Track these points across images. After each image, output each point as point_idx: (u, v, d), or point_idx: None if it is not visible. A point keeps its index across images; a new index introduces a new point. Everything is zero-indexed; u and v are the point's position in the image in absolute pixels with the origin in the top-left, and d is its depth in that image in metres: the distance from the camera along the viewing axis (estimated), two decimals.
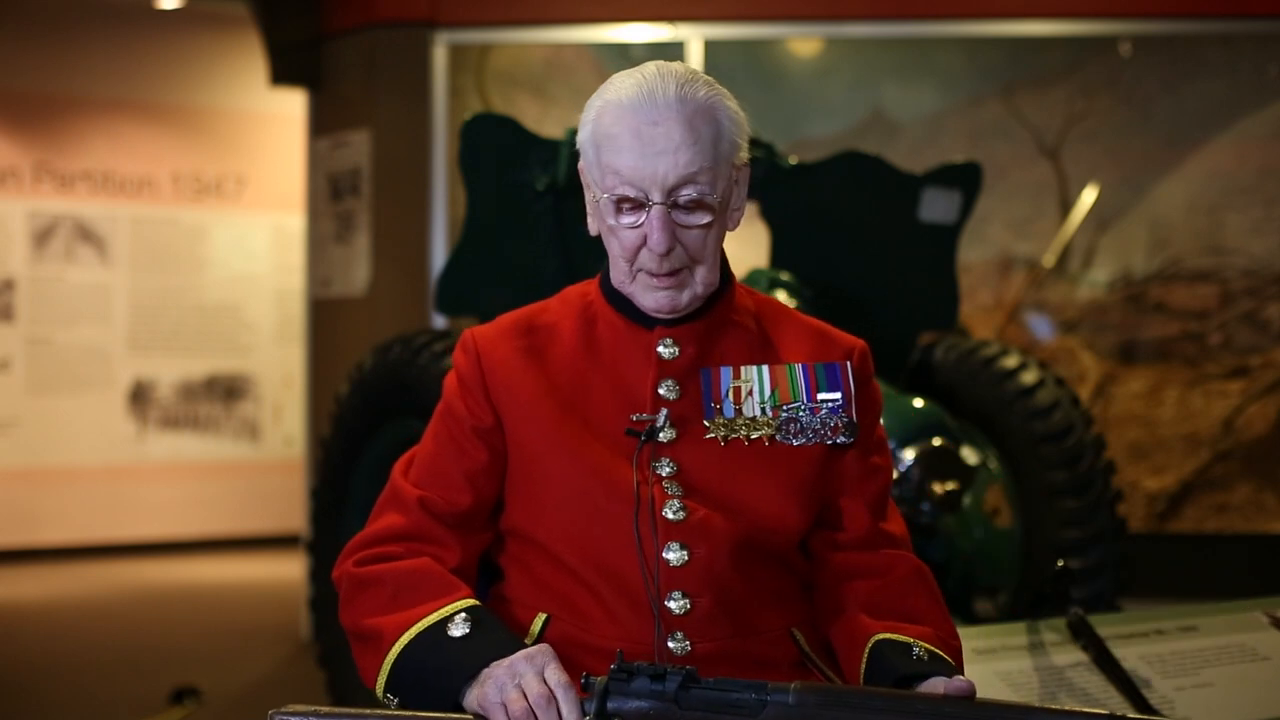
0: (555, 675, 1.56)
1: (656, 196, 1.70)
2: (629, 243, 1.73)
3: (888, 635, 1.70)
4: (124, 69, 8.58)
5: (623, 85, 1.74)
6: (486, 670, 1.58)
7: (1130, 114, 6.09)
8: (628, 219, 1.72)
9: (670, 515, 1.72)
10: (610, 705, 1.48)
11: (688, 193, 1.70)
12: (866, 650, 1.70)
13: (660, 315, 1.78)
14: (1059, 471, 3.79)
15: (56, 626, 6.42)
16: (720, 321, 1.82)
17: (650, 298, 1.76)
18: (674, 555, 1.71)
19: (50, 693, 5.12)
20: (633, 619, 1.70)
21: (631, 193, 1.70)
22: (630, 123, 1.70)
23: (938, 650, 1.69)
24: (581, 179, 1.83)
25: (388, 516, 1.79)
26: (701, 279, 1.76)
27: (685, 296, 1.76)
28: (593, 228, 1.81)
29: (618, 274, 1.78)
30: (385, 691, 1.67)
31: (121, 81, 8.59)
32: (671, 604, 1.69)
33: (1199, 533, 6.00)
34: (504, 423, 1.79)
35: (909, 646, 1.68)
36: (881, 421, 1.90)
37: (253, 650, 5.84)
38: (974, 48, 6.09)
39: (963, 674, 1.68)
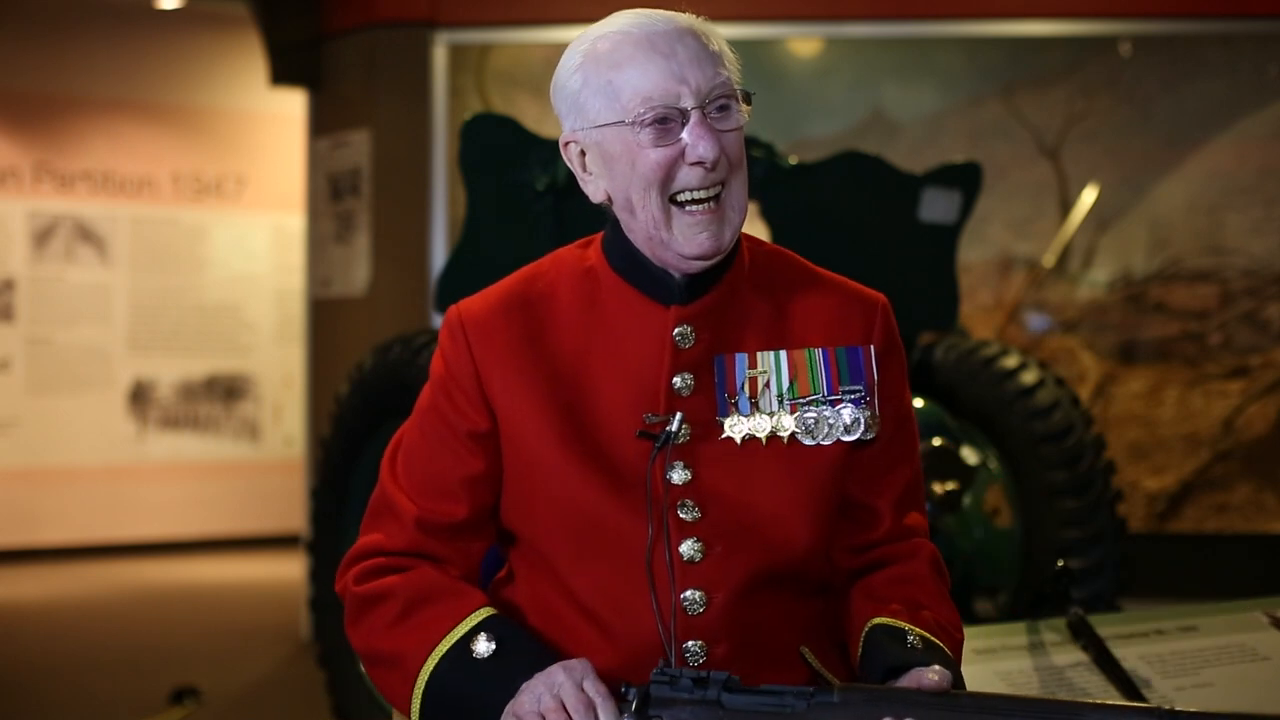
0: (594, 685, 1.50)
1: (692, 103, 1.59)
2: (665, 161, 1.60)
3: (884, 620, 1.62)
4: (124, 69, 8.58)
5: (610, 21, 1.64)
6: (524, 684, 1.53)
7: (1130, 114, 6.09)
8: (664, 137, 1.60)
9: (687, 554, 1.61)
10: (652, 713, 1.46)
11: (719, 94, 1.61)
12: (863, 635, 1.63)
13: (702, 260, 1.64)
14: (1059, 471, 3.79)
15: (56, 626, 6.42)
16: (733, 290, 1.69)
17: (693, 241, 1.62)
18: (691, 600, 1.60)
19: (50, 693, 5.12)
20: (637, 652, 1.61)
21: (665, 108, 1.59)
22: (642, 42, 1.60)
23: (934, 639, 1.61)
24: (566, 155, 1.69)
25: (381, 531, 1.70)
26: (737, 205, 1.64)
27: (727, 232, 1.64)
28: (595, 194, 1.68)
29: (645, 224, 1.63)
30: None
31: (121, 81, 8.59)
32: (688, 651, 1.60)
33: (1199, 533, 6.00)
34: (499, 420, 1.66)
35: (904, 634, 1.60)
36: None
37: (253, 650, 5.84)
38: (974, 48, 6.09)
39: (957, 666, 1.61)
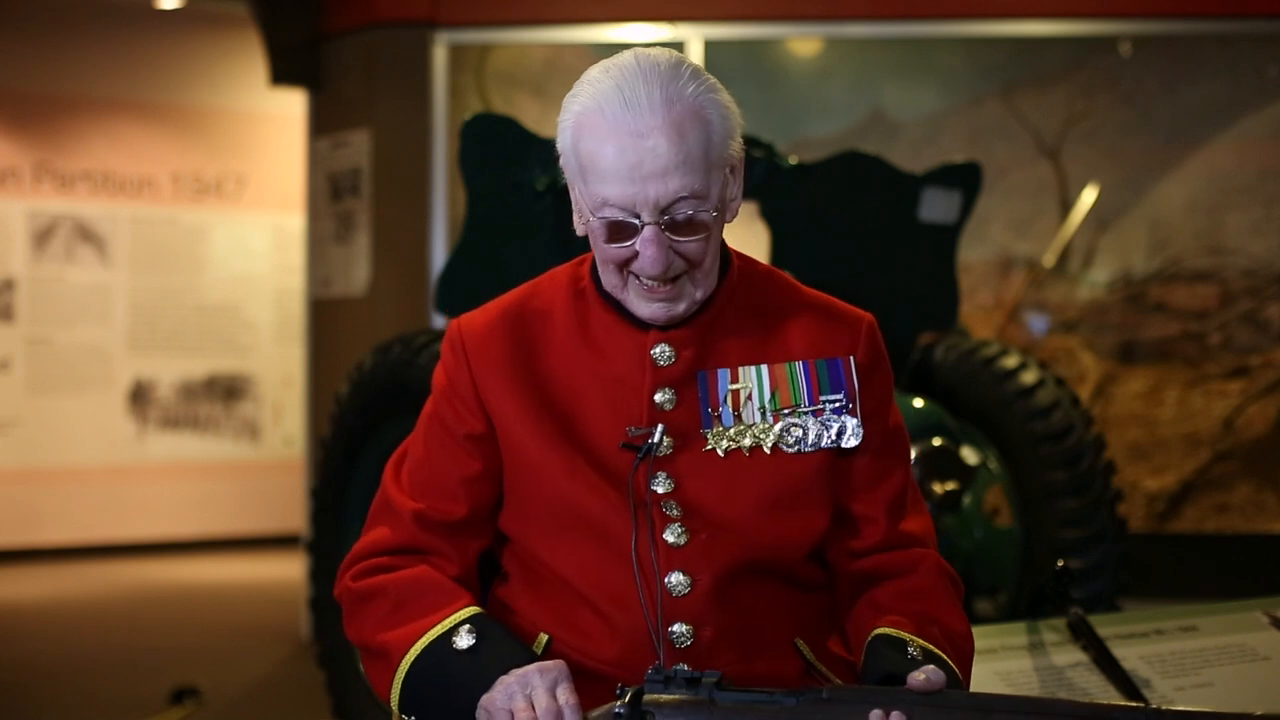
0: (565, 694, 1.53)
1: (648, 217, 1.60)
2: (621, 257, 1.64)
3: (886, 630, 1.64)
4: (124, 69, 8.58)
5: (600, 87, 1.62)
6: (500, 678, 1.56)
7: (1130, 114, 6.09)
8: (619, 239, 1.63)
9: (671, 539, 1.66)
10: (645, 710, 1.48)
11: (683, 210, 1.60)
12: (865, 645, 1.65)
13: (656, 323, 1.70)
14: (1059, 471, 3.79)
15: (56, 626, 6.42)
16: (719, 312, 1.73)
17: (645, 309, 1.68)
18: (676, 583, 1.64)
19: (50, 693, 5.12)
20: (635, 641, 1.65)
21: (621, 216, 1.61)
22: (613, 137, 1.59)
23: (936, 650, 1.62)
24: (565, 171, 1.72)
25: (381, 529, 1.75)
26: (701, 283, 1.68)
27: (682, 305, 1.68)
28: (579, 228, 1.71)
29: (608, 279, 1.69)
30: (400, 710, 1.65)
31: (121, 81, 8.59)
32: (674, 634, 1.64)
33: (1199, 533, 6.00)
34: (495, 426, 1.73)
35: (904, 644, 1.61)
36: None
37: (253, 650, 5.84)
38: (974, 48, 6.09)
39: (959, 675, 1.62)
